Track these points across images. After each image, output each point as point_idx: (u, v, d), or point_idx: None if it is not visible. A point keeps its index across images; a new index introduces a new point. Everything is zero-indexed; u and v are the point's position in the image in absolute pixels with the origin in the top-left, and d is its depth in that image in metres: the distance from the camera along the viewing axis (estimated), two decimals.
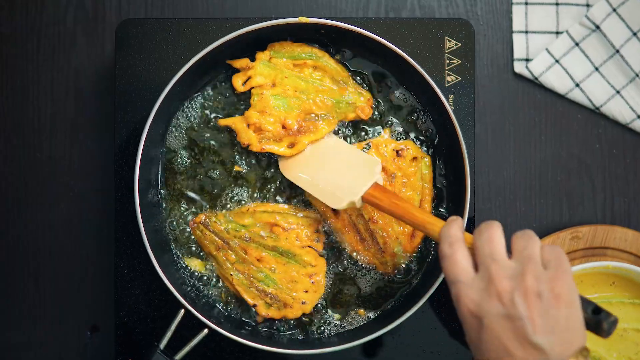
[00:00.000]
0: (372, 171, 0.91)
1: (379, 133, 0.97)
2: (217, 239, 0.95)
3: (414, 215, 0.84)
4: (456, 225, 0.76)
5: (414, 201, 0.96)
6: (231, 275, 0.95)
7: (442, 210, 0.97)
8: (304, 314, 0.95)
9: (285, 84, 0.94)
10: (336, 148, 0.95)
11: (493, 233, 0.72)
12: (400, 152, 0.96)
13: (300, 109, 0.95)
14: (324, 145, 0.95)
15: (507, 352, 0.67)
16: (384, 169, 0.95)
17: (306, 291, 0.94)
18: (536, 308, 0.67)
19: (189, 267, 0.96)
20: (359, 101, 0.96)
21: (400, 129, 0.98)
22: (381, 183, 0.91)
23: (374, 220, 0.94)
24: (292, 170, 0.95)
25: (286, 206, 0.96)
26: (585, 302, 0.71)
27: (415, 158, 0.96)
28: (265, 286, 0.94)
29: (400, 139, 0.97)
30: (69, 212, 1.05)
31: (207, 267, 0.97)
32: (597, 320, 0.71)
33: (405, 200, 0.87)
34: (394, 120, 0.98)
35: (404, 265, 0.96)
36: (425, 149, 0.98)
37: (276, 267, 0.94)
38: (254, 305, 0.95)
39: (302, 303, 0.94)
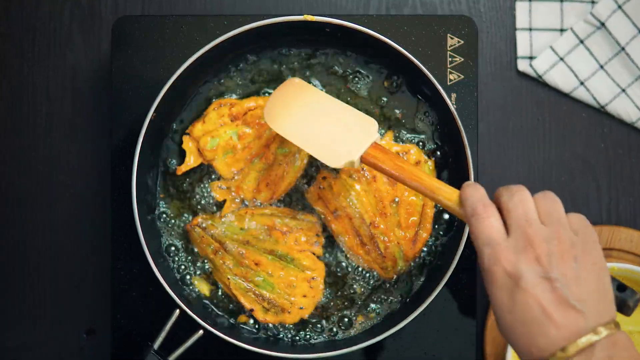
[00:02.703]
0: (369, 131, 0.85)
1: (382, 135, 0.96)
2: (214, 241, 0.94)
3: (421, 179, 0.79)
4: (482, 189, 0.74)
5: (416, 205, 0.94)
6: (228, 279, 0.93)
7: (443, 209, 0.96)
8: (302, 319, 0.94)
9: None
10: (329, 106, 0.89)
11: (524, 195, 0.71)
12: (403, 156, 0.94)
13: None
14: (315, 102, 0.89)
15: (544, 314, 0.66)
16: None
17: (304, 296, 0.93)
18: (573, 271, 0.67)
19: (197, 288, 0.95)
20: None
21: (402, 130, 0.97)
22: (379, 142, 0.86)
23: (375, 224, 0.93)
24: (280, 122, 0.89)
25: (285, 209, 0.95)
26: (611, 278, 0.71)
27: (418, 162, 0.94)
28: (263, 290, 0.93)
29: (403, 141, 0.96)
30: (66, 213, 1.04)
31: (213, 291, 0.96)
32: (623, 297, 0.71)
33: (410, 163, 0.83)
34: (396, 120, 0.97)
35: (404, 270, 0.95)
36: (427, 148, 0.97)
37: (274, 271, 0.93)
38: (251, 310, 0.93)
39: (300, 308, 0.93)
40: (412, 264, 0.95)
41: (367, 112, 0.96)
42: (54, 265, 1.04)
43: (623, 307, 0.71)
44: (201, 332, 0.90)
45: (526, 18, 1.05)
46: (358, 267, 0.96)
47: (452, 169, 0.96)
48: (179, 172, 0.95)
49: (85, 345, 1.04)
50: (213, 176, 0.96)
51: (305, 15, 0.91)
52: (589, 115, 1.06)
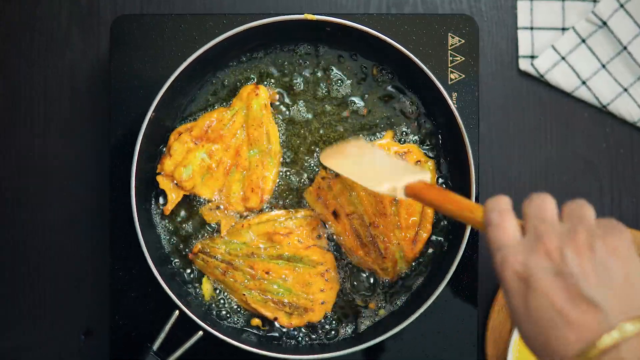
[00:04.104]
0: (422, 175, 0.81)
1: (382, 135, 0.95)
2: (220, 263, 0.93)
3: (457, 202, 0.73)
4: (505, 198, 0.68)
5: (417, 206, 0.94)
6: (244, 295, 0.93)
7: None
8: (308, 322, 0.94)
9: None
10: (386, 159, 0.89)
11: (544, 199, 0.66)
12: (403, 155, 0.94)
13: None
14: (372, 153, 0.90)
15: (560, 314, 0.59)
16: None
17: (322, 290, 0.93)
18: (590, 261, 0.60)
19: (201, 290, 0.95)
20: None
21: (403, 129, 0.96)
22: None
23: (375, 224, 0.92)
24: (332, 160, 0.90)
25: (280, 212, 0.94)
26: None
27: (418, 162, 0.94)
28: (281, 296, 0.92)
29: (403, 141, 0.96)
30: (65, 213, 1.04)
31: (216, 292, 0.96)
32: None
33: (451, 192, 0.77)
34: (396, 120, 0.96)
35: (405, 271, 0.95)
36: (428, 148, 0.96)
37: (287, 275, 0.92)
38: (275, 319, 0.93)
39: (322, 303, 0.93)
40: (412, 264, 0.95)
41: (360, 110, 0.96)
42: (53, 265, 1.04)
43: None
44: (201, 333, 0.89)
45: (527, 17, 1.05)
46: (359, 268, 0.95)
47: (453, 169, 0.95)
48: (166, 213, 0.94)
49: (84, 346, 1.03)
50: (201, 200, 0.95)
51: (305, 15, 0.90)
52: (591, 115, 1.05)
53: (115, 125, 0.96)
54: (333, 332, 0.95)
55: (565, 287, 0.60)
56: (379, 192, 0.82)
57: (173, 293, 0.89)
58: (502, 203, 0.68)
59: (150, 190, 0.95)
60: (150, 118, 0.89)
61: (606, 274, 0.60)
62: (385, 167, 0.87)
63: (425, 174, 0.82)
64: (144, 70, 0.96)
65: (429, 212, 0.94)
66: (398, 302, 0.96)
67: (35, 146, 1.04)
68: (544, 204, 0.65)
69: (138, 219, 0.89)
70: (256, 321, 0.95)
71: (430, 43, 0.96)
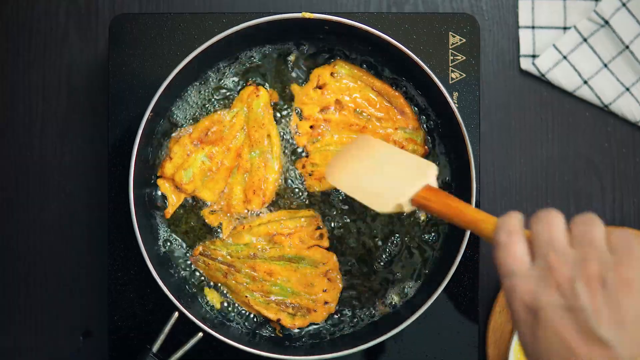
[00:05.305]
0: (425, 174, 0.80)
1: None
2: (221, 265, 0.93)
3: (464, 214, 0.73)
4: (516, 217, 0.67)
5: (370, 99, 0.94)
6: (246, 297, 0.93)
7: None
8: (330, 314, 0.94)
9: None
10: (387, 152, 0.87)
11: (552, 219, 0.64)
12: (320, 85, 0.94)
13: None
14: (372, 148, 0.88)
15: (568, 349, 0.59)
16: (320, 119, 0.94)
17: (325, 290, 0.92)
18: (601, 296, 0.59)
19: (208, 301, 0.95)
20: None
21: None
22: (435, 186, 0.80)
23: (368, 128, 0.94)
24: (335, 175, 0.88)
25: (281, 213, 0.94)
26: None
27: (332, 74, 0.94)
28: (283, 298, 0.92)
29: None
30: (63, 213, 1.03)
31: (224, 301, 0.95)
32: None
33: (458, 200, 0.77)
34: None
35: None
36: (430, 147, 0.96)
37: (289, 276, 0.92)
38: (278, 320, 0.92)
39: (325, 304, 0.92)
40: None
41: None
42: (52, 266, 1.03)
43: None
44: (200, 334, 0.89)
45: (529, 16, 1.04)
46: (359, 268, 0.95)
47: (454, 169, 0.95)
48: (167, 216, 0.94)
49: (83, 347, 1.03)
50: (201, 203, 0.95)
51: (303, 13, 0.90)
52: (593, 115, 1.05)
53: (114, 125, 0.96)
54: (335, 332, 0.95)
55: (575, 322, 0.59)
56: (387, 213, 0.81)
57: (172, 294, 0.89)
58: (512, 222, 0.66)
59: (150, 190, 0.95)
60: (148, 118, 0.89)
61: (618, 311, 0.59)
62: (390, 175, 0.84)
63: (428, 174, 0.80)
64: (142, 69, 0.96)
65: (379, 83, 0.94)
66: (398, 302, 0.95)
67: (33, 145, 1.04)
68: (551, 226, 0.63)
69: (137, 218, 0.88)
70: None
71: (430, 42, 0.96)
